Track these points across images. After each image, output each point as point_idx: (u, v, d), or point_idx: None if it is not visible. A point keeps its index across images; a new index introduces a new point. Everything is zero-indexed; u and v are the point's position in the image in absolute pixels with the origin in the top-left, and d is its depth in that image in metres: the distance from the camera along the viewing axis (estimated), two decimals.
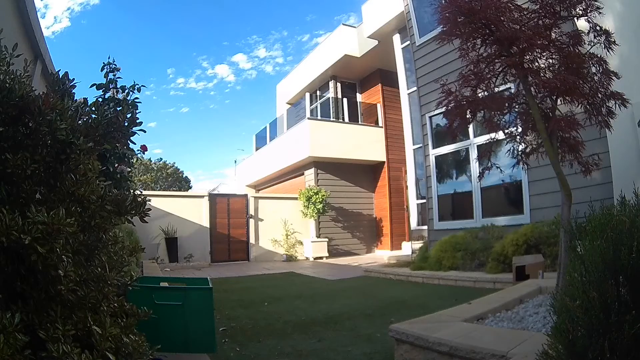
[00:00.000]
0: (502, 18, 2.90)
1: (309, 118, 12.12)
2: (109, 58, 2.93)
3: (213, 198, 10.86)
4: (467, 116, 3.22)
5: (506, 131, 3.41)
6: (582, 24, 3.07)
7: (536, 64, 3.01)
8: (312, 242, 11.17)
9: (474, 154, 6.70)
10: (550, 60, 3.00)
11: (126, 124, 1.69)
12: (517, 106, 3.27)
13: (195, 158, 56.21)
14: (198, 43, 52.89)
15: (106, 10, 46.38)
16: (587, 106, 2.98)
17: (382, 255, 10.89)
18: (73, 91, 2.24)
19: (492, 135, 3.48)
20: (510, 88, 3.43)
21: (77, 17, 43.74)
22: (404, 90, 10.20)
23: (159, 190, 24.48)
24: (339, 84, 13.64)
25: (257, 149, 15.94)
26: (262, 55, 54.17)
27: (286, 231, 11.16)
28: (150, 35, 50.30)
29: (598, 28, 2.94)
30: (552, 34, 2.97)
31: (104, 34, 48.58)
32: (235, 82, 54.97)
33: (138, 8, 47.56)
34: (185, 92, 52.12)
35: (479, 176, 3.68)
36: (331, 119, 12.65)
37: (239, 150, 40.50)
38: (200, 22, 53.24)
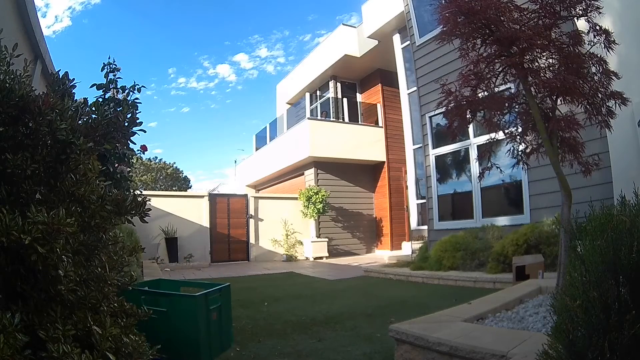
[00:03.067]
0: (502, 18, 2.90)
1: (309, 118, 12.13)
2: (109, 58, 2.93)
3: (213, 198, 10.86)
4: (467, 116, 3.22)
5: (506, 131, 3.41)
6: (581, 23, 3.07)
7: (536, 64, 3.01)
8: (312, 242, 11.17)
9: (473, 154, 6.70)
10: (550, 60, 2.99)
11: (126, 124, 1.69)
12: (517, 106, 3.27)
13: (195, 158, 56.22)
14: (199, 43, 52.98)
15: (107, 9, 46.48)
16: (587, 106, 2.98)
17: (382, 255, 10.89)
18: (73, 91, 2.24)
19: (492, 135, 3.48)
20: (510, 88, 3.43)
21: (78, 17, 43.82)
22: (404, 90, 10.20)
23: (159, 190, 24.47)
24: (339, 84, 13.63)
25: (257, 149, 15.94)
26: (264, 55, 54.23)
27: (286, 231, 11.16)
28: (151, 34, 50.45)
29: (598, 28, 2.94)
30: (552, 34, 2.96)
31: (105, 33, 48.66)
32: (236, 82, 55.03)
33: (139, 7, 47.66)
34: (186, 92, 52.21)
35: (479, 176, 3.68)
36: (331, 119, 12.65)
37: (239, 150, 40.60)
38: (202, 21, 53.31)
